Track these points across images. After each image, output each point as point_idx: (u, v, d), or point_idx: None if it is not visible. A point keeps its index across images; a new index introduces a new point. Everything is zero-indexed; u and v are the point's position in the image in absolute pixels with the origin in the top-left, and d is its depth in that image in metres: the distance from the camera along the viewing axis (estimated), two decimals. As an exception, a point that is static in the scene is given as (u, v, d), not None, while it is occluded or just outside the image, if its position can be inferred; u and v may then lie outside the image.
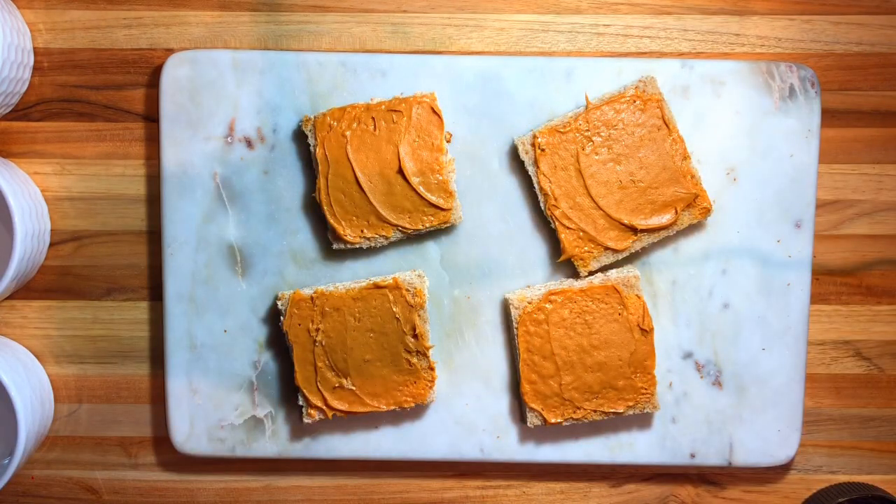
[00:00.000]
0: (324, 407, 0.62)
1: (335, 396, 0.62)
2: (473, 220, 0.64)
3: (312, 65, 0.63)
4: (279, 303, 0.62)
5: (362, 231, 0.62)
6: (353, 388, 0.62)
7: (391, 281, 0.61)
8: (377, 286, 0.61)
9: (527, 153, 0.61)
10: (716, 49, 0.65)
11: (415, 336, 0.61)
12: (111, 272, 0.66)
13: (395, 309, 0.61)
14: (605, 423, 0.64)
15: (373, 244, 0.62)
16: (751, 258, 0.64)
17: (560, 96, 0.63)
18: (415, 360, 0.62)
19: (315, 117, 0.61)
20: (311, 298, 0.61)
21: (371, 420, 0.65)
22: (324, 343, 0.61)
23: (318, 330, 0.61)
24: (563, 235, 0.62)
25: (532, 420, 0.62)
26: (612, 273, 0.62)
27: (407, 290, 0.61)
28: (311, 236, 0.64)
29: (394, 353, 0.61)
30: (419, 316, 0.61)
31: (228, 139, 0.64)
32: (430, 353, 0.62)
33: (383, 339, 0.61)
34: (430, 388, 0.62)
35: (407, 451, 0.65)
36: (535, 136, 0.61)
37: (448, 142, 0.62)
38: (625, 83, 0.63)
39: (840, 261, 0.66)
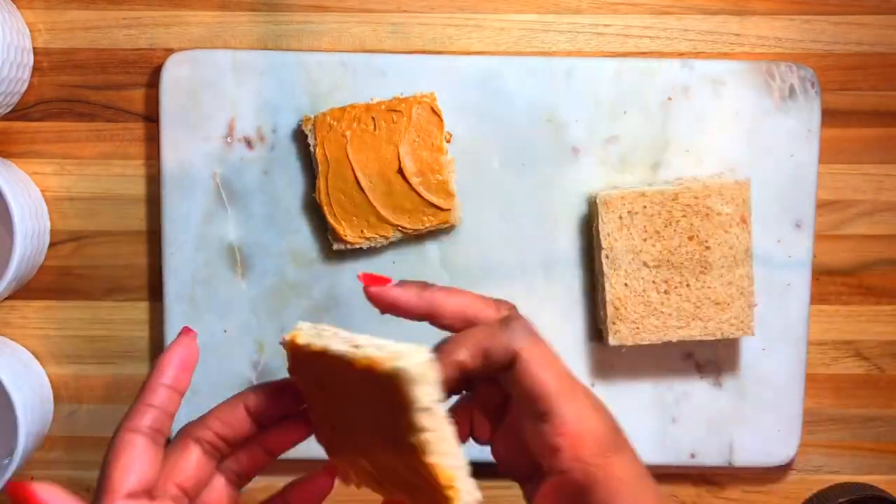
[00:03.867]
0: (351, 474, 0.43)
1: (359, 469, 0.41)
2: (473, 221, 0.64)
3: (312, 65, 0.63)
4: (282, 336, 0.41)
5: (362, 231, 0.62)
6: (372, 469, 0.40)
7: (366, 361, 0.34)
8: (359, 359, 0.35)
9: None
10: (716, 49, 0.65)
11: (411, 436, 0.35)
12: (111, 272, 0.66)
13: (382, 400, 0.35)
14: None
15: (373, 244, 0.62)
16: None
17: (560, 96, 0.63)
18: (423, 468, 0.35)
19: (315, 117, 0.61)
20: (302, 352, 0.38)
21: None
22: (330, 414, 0.40)
23: (317, 402, 0.40)
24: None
25: None
26: None
27: (389, 377, 0.34)
28: (311, 236, 0.64)
29: (398, 448, 0.36)
30: (410, 414, 0.34)
31: (228, 139, 0.64)
32: (440, 460, 0.35)
33: (384, 428, 0.37)
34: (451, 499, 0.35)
35: (407, 451, 0.65)
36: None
37: (448, 142, 0.62)
38: (624, 83, 0.63)
39: (840, 261, 0.66)
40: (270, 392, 0.41)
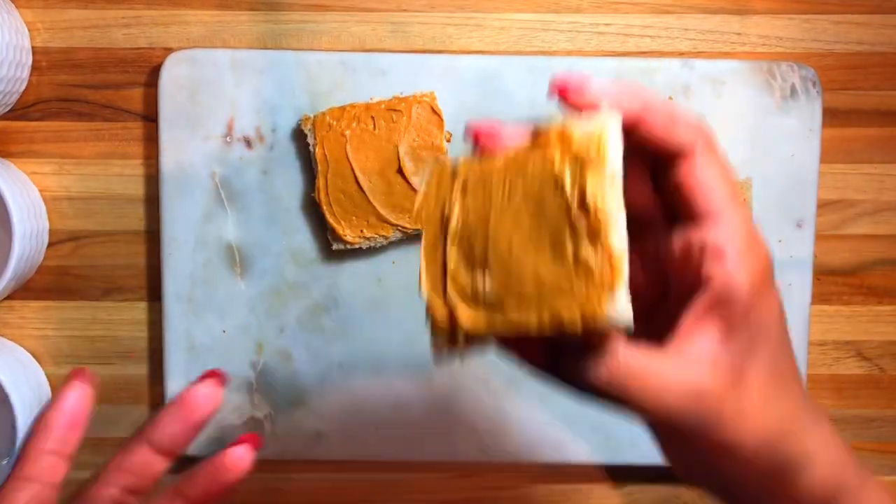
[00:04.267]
0: (452, 328, 0.38)
1: (468, 306, 0.38)
2: (473, 220, 0.64)
3: (312, 64, 0.63)
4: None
5: (362, 231, 0.62)
6: (492, 287, 0.37)
7: (558, 129, 0.37)
8: (538, 137, 0.38)
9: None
10: (716, 48, 0.65)
11: (584, 208, 0.35)
12: (110, 272, 0.66)
13: (558, 168, 0.36)
14: (606, 422, 0.64)
15: (373, 244, 0.62)
16: (752, 258, 0.64)
17: (560, 96, 0.63)
18: (585, 249, 0.35)
19: (314, 116, 0.61)
20: (454, 171, 0.39)
21: (371, 421, 0.64)
22: (460, 225, 0.39)
23: (453, 207, 0.39)
24: None
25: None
26: None
27: (580, 140, 0.36)
28: (310, 236, 0.64)
29: (553, 233, 0.36)
30: (595, 175, 0.35)
31: (227, 139, 0.63)
32: (611, 232, 0.34)
33: (538, 210, 0.37)
34: (609, 290, 0.34)
35: (407, 452, 0.65)
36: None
37: (448, 141, 0.62)
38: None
39: (841, 261, 0.66)
40: (177, 413, 0.34)
